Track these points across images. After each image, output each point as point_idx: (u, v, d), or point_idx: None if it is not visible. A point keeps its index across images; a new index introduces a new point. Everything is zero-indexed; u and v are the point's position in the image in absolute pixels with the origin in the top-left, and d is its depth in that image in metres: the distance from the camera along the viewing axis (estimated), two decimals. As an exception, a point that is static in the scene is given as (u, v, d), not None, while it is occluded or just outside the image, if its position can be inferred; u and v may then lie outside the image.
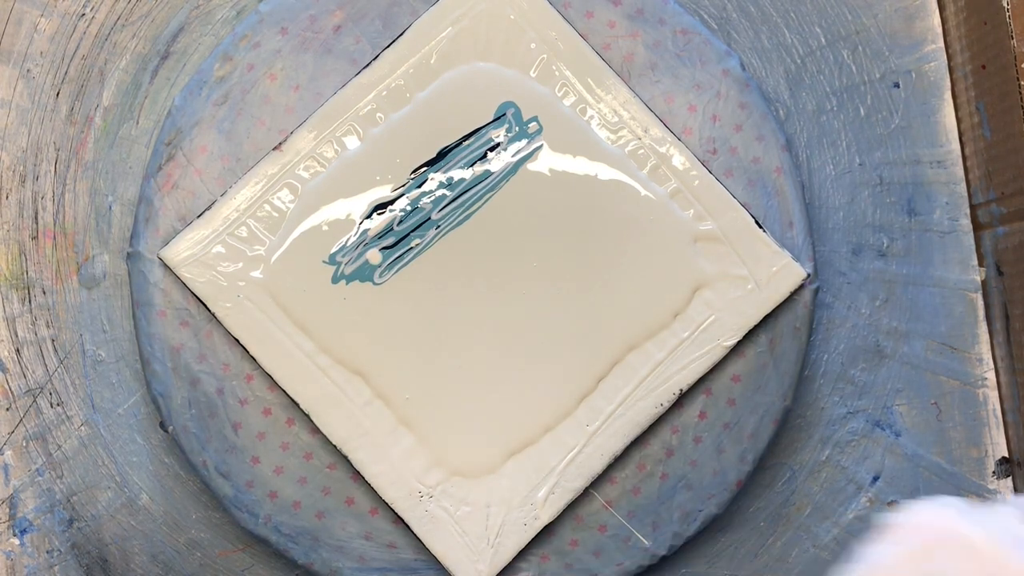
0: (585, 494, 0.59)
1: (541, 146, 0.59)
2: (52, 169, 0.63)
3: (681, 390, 0.59)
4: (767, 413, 0.60)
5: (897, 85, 0.67)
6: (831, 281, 0.66)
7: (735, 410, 0.60)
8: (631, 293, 0.58)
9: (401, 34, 0.59)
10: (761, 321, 0.59)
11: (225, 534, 0.62)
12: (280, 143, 0.58)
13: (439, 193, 0.59)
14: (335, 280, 0.58)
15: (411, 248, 0.58)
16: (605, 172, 0.59)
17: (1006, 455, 0.66)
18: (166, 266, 0.58)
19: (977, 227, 0.67)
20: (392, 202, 0.58)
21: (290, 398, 0.58)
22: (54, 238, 0.63)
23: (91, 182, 0.63)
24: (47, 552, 0.62)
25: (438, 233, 0.58)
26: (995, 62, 0.63)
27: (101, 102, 0.64)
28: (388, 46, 0.59)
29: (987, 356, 0.66)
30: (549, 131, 0.59)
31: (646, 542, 0.59)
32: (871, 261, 0.66)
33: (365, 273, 0.58)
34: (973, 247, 0.66)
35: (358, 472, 0.58)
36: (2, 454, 0.62)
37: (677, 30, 0.61)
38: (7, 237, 0.63)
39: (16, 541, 0.62)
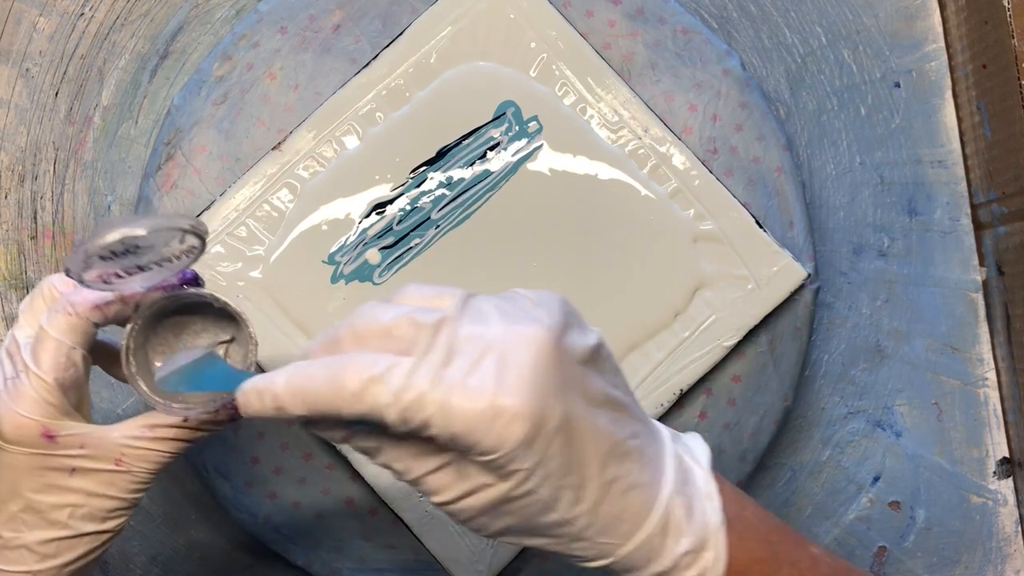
0: (585, 494, 0.59)
1: (541, 145, 0.59)
2: (51, 169, 0.63)
3: (681, 390, 0.58)
4: (767, 413, 0.60)
5: (898, 85, 0.67)
6: (832, 281, 0.66)
7: (735, 410, 0.60)
8: (631, 293, 0.58)
9: (401, 33, 0.59)
10: (761, 321, 0.59)
11: (225, 534, 0.62)
12: (279, 143, 0.58)
13: (439, 193, 0.58)
14: (334, 280, 0.58)
15: (410, 248, 0.58)
16: (605, 172, 0.59)
17: (1007, 455, 0.66)
18: (165, 266, 0.58)
19: (978, 227, 0.66)
20: (391, 202, 0.58)
21: (289, 398, 0.57)
22: (53, 238, 0.63)
23: (90, 182, 0.63)
24: (46, 552, 0.62)
25: (438, 233, 0.58)
26: (996, 62, 0.63)
27: (100, 101, 0.64)
28: (388, 45, 0.59)
29: (988, 356, 0.66)
30: (549, 130, 0.59)
31: (646, 542, 0.59)
32: (872, 261, 0.66)
33: (364, 273, 0.58)
34: (974, 247, 0.66)
35: (358, 472, 0.58)
36: (1, 454, 0.62)
37: (677, 29, 0.61)
38: (6, 237, 0.63)
39: (15, 541, 0.62)
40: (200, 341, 0.46)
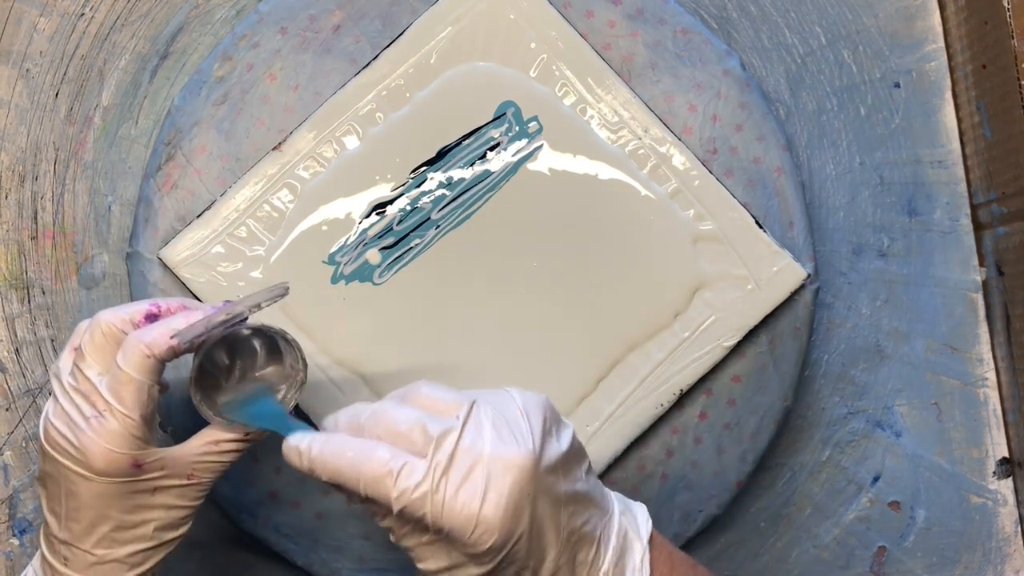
0: (585, 494, 0.59)
1: (541, 146, 0.59)
2: (51, 169, 0.63)
3: (681, 390, 0.58)
4: (767, 413, 0.60)
5: (898, 85, 0.67)
6: (831, 281, 0.66)
7: (735, 410, 0.60)
8: (631, 293, 0.58)
9: (401, 34, 0.59)
10: (761, 321, 0.59)
11: (225, 534, 0.62)
12: (280, 143, 0.58)
13: (439, 193, 0.58)
14: (334, 280, 0.58)
15: (411, 248, 0.58)
16: (605, 172, 0.59)
17: (1007, 455, 0.66)
18: (165, 266, 0.58)
19: (978, 227, 0.66)
20: (391, 202, 0.58)
21: (290, 398, 0.58)
22: (53, 238, 0.63)
23: (90, 182, 0.63)
24: (46, 552, 0.62)
25: (438, 233, 0.58)
26: (996, 62, 0.63)
27: (100, 102, 0.64)
28: (388, 46, 0.59)
29: (987, 356, 0.66)
30: (549, 131, 0.59)
31: (646, 542, 0.59)
32: (871, 261, 0.66)
33: (364, 273, 0.58)
34: (974, 247, 0.66)
35: (358, 472, 0.58)
36: (2, 454, 0.62)
37: (677, 30, 0.61)
38: (6, 237, 0.63)
39: (16, 541, 0.62)
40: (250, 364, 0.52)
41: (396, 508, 0.41)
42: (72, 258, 0.63)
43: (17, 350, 0.62)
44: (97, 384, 0.46)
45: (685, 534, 0.60)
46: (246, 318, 0.49)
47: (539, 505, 0.42)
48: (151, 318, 0.48)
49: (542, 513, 0.42)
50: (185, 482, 0.48)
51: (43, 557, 0.49)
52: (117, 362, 0.45)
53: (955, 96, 0.67)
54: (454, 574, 0.43)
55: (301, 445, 0.43)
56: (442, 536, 0.41)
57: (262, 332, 0.50)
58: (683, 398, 0.59)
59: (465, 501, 0.41)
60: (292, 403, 0.50)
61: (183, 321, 0.46)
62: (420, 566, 0.43)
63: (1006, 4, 0.61)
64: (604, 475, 0.59)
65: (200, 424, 0.54)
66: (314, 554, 0.59)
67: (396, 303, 0.58)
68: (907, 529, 0.65)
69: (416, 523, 0.42)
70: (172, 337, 0.45)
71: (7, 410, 0.62)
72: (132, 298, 0.59)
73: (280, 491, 0.58)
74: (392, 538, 0.44)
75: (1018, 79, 0.61)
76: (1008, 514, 0.65)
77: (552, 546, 0.43)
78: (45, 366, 0.62)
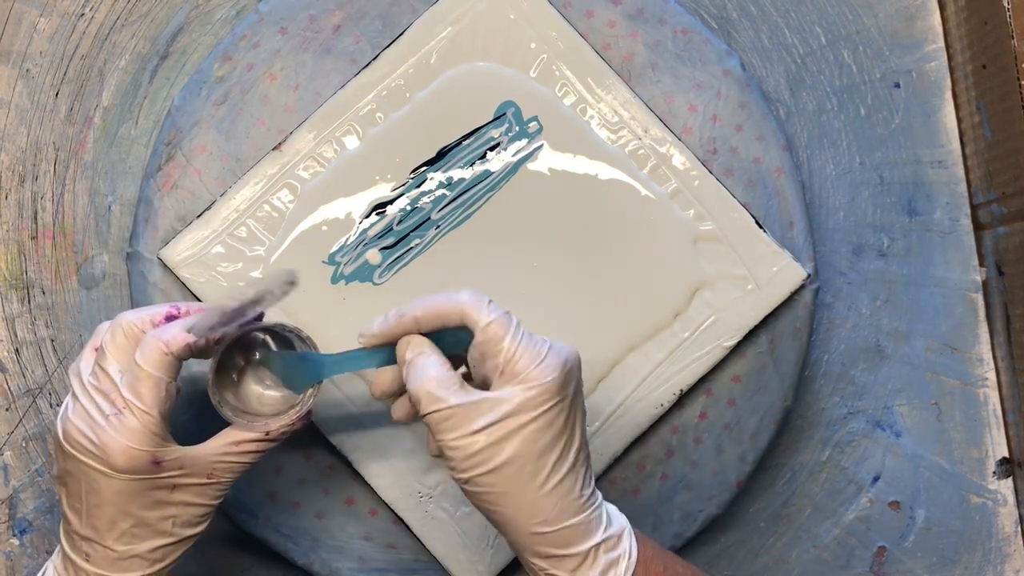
0: (585, 494, 0.59)
1: (541, 146, 0.59)
2: (51, 169, 0.63)
3: (681, 390, 0.58)
4: (767, 413, 0.60)
5: (898, 85, 0.67)
6: (831, 281, 0.66)
7: (735, 410, 0.60)
8: (631, 293, 0.58)
9: (401, 34, 0.59)
10: (761, 321, 0.59)
11: (225, 534, 0.62)
12: (280, 143, 0.58)
13: (439, 193, 0.58)
14: (334, 280, 0.58)
15: (411, 248, 0.58)
16: (605, 172, 0.59)
17: (1007, 455, 0.66)
18: (165, 266, 0.58)
19: (978, 227, 0.66)
20: (392, 202, 0.58)
21: (290, 398, 0.58)
22: (53, 238, 0.63)
23: (90, 182, 0.63)
24: (47, 552, 0.62)
25: (438, 233, 0.58)
26: (996, 62, 0.63)
27: (100, 102, 0.64)
28: (388, 46, 0.59)
29: (987, 356, 0.66)
30: (549, 131, 0.59)
31: (646, 542, 0.59)
32: (871, 261, 0.66)
33: (365, 273, 0.58)
34: (974, 247, 0.66)
35: (358, 472, 0.58)
36: (2, 454, 0.62)
37: (677, 30, 0.61)
38: (6, 237, 0.63)
39: (16, 541, 0.62)
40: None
41: (484, 323, 0.46)
42: (72, 258, 0.63)
43: (17, 350, 0.62)
44: (117, 382, 0.46)
45: (685, 534, 0.60)
46: (261, 315, 0.49)
47: (576, 394, 0.47)
48: (171, 320, 0.48)
49: (578, 402, 0.47)
50: (205, 481, 0.48)
51: (64, 554, 0.49)
52: (135, 359, 0.46)
53: (955, 96, 0.67)
54: (500, 427, 0.45)
55: (382, 314, 0.48)
56: (506, 369, 0.45)
57: (277, 331, 0.50)
58: (683, 398, 0.59)
59: (533, 347, 0.46)
60: (311, 400, 0.50)
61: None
62: (462, 431, 0.45)
63: (1006, 4, 0.61)
64: (604, 475, 0.59)
65: (204, 422, 0.54)
66: (314, 554, 0.59)
67: (396, 303, 0.57)
68: (907, 529, 0.65)
69: (472, 399, 0.45)
70: (187, 331, 0.46)
71: (7, 410, 0.62)
72: (132, 298, 0.59)
73: (280, 491, 0.58)
74: (425, 405, 0.46)
75: (1018, 79, 0.61)
76: (1008, 514, 0.65)
77: (577, 437, 0.47)
78: (45, 366, 0.62)
